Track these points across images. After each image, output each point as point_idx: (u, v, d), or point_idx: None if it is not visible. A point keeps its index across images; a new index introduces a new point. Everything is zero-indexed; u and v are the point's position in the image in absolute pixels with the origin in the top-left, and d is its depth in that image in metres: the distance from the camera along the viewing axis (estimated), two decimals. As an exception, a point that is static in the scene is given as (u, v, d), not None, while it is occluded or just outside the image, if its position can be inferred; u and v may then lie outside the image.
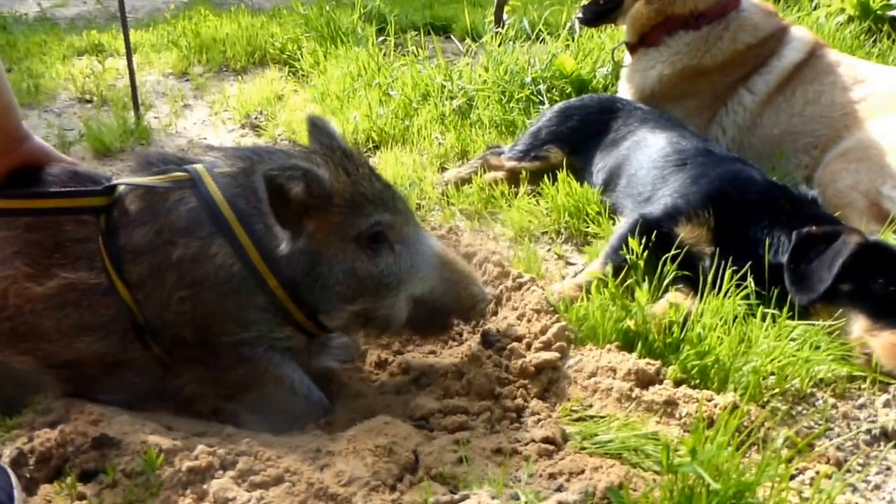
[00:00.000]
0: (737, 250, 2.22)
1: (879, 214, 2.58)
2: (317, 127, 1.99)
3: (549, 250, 2.69)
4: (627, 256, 2.15)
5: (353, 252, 1.83)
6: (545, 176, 2.93)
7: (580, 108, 3.02)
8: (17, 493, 1.54)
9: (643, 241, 2.17)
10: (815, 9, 4.47)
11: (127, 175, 1.94)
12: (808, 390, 1.94)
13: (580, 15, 3.32)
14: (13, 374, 1.82)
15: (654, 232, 2.27)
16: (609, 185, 2.77)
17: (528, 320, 2.07)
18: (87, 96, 4.62)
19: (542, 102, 3.86)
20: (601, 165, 2.86)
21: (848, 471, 1.70)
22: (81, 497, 1.55)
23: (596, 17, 3.28)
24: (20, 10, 8.08)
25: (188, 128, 4.18)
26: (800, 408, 1.91)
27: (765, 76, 2.98)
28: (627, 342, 1.97)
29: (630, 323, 1.95)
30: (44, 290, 1.78)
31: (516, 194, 2.96)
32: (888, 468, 1.74)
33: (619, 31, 3.72)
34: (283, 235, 1.77)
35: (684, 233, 2.28)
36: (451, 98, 3.87)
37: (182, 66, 5.22)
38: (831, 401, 1.93)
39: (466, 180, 3.08)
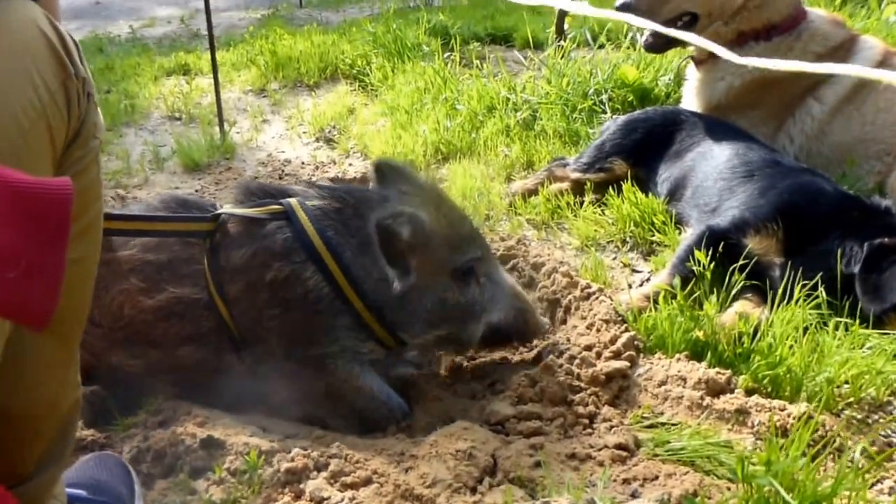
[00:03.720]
0: (807, 261, 2.18)
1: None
2: (392, 169, 2.08)
3: (614, 259, 2.69)
4: (694, 268, 2.14)
5: (445, 284, 1.97)
6: (610, 187, 2.93)
7: (644, 120, 3.00)
8: (137, 488, 1.63)
9: (710, 252, 2.17)
10: (882, 8, 4.35)
11: (230, 202, 2.06)
12: (885, 398, 1.90)
13: (648, 41, 3.23)
14: (126, 376, 1.97)
15: (722, 243, 2.25)
16: (674, 195, 2.75)
17: (598, 330, 2.08)
18: (177, 114, 4.78)
19: (604, 112, 3.85)
20: (666, 176, 2.84)
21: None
22: (192, 492, 1.64)
23: (665, 43, 3.18)
24: (113, 32, 8.41)
25: (267, 142, 4.29)
26: (876, 416, 1.86)
27: (833, 86, 2.90)
28: (696, 352, 1.96)
29: (699, 333, 1.94)
30: (154, 302, 1.92)
31: (582, 204, 2.96)
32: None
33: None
34: (393, 275, 1.89)
35: (753, 244, 2.25)
36: (516, 110, 3.88)
37: (260, 83, 5.35)
38: (907, 408, 1.89)
39: (533, 191, 3.10)
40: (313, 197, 2.01)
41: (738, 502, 1.33)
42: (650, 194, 2.85)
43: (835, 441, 1.69)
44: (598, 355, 1.99)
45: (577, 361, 1.97)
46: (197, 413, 1.84)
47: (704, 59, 3.12)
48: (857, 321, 2.01)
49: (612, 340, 2.01)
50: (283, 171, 3.72)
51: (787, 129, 2.97)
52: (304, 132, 4.41)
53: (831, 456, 1.66)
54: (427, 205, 1.98)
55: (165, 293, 1.91)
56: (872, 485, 1.61)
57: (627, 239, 2.76)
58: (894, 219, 2.28)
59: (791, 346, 1.90)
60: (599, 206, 2.95)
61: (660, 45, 3.22)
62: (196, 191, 3.55)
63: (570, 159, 3.14)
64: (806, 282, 2.09)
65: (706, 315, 1.96)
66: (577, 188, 3.03)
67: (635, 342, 2.01)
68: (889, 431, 1.81)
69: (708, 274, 2.14)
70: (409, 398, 2.04)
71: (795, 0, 2.98)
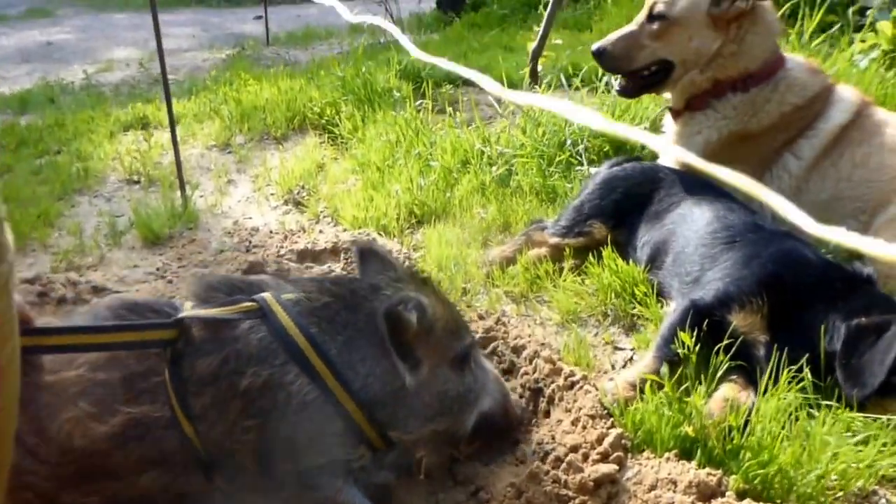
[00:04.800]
0: (792, 338, 2.20)
1: (933, 286, 2.52)
2: (373, 254, 2.06)
3: (596, 335, 2.69)
4: (679, 351, 2.15)
5: (445, 373, 1.93)
6: (590, 253, 2.94)
7: (623, 179, 3.02)
8: None
9: (695, 331, 2.19)
10: (850, 45, 4.42)
11: (190, 300, 1.96)
12: (871, 488, 1.92)
13: (620, 87, 3.26)
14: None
15: (706, 321, 2.26)
16: (655, 261, 2.76)
17: (584, 427, 2.08)
18: (135, 177, 4.75)
19: (581, 164, 3.87)
20: (646, 239, 2.85)
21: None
22: None
23: (639, 89, 3.22)
24: (66, 78, 8.37)
25: (233, 206, 4.28)
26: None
27: (811, 140, 2.93)
28: (686, 449, 1.97)
29: (688, 429, 1.94)
30: (108, 428, 1.80)
31: (562, 271, 2.97)
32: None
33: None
34: (403, 369, 1.85)
35: (737, 321, 2.26)
36: (491, 164, 3.91)
37: (224, 137, 5.34)
38: (894, 500, 1.90)
39: (511, 259, 3.10)
40: (290, 290, 1.96)
41: None
42: (630, 260, 2.87)
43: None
44: (585, 457, 1.99)
45: (563, 466, 1.96)
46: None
47: (681, 111, 3.15)
48: (843, 403, 2.05)
49: (599, 440, 2.01)
50: (250, 242, 3.70)
51: (765, 186, 2.98)
52: (272, 194, 4.40)
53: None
54: (423, 290, 1.96)
55: (120, 416, 1.80)
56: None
57: (609, 312, 2.77)
58: (876, 287, 2.32)
59: (781, 440, 1.91)
60: (579, 275, 2.95)
61: (633, 90, 3.25)
62: (157, 269, 3.52)
63: (549, 222, 3.16)
64: (791, 363, 2.12)
65: (694, 407, 1.96)
66: (557, 253, 3.04)
67: (623, 441, 2.00)
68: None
69: (693, 357, 2.15)
70: (388, 505, 2.01)
71: (772, 47, 3.02)
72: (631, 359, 2.52)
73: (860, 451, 1.93)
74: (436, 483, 2.15)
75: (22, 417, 1.46)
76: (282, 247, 3.54)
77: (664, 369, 2.13)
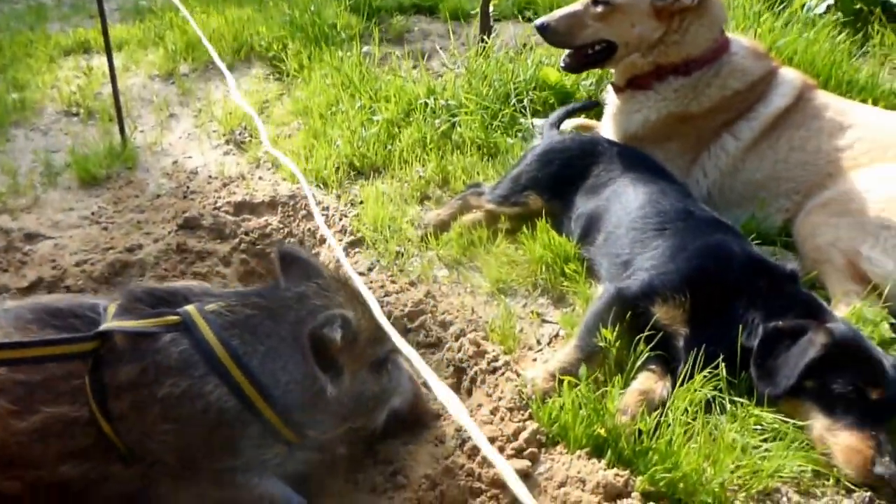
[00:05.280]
0: (711, 332, 2.17)
1: (857, 275, 2.49)
2: (297, 259, 2.00)
3: (525, 306, 2.62)
4: (601, 344, 2.11)
5: (363, 377, 1.93)
6: (526, 222, 2.86)
7: (562, 151, 2.91)
8: None
9: (618, 319, 2.17)
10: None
11: (115, 307, 1.88)
12: (774, 485, 1.93)
13: (565, 62, 3.13)
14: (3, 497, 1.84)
15: (630, 311, 2.22)
16: (587, 236, 2.69)
17: (502, 419, 2.03)
18: (74, 109, 4.46)
19: (524, 116, 3.76)
20: (580, 212, 2.77)
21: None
22: None
23: (582, 65, 3.13)
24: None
25: (174, 144, 4.07)
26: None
27: (751, 122, 2.85)
28: (598, 447, 1.93)
29: (601, 430, 1.91)
30: (28, 424, 1.78)
31: (496, 234, 2.88)
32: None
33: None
34: (325, 380, 1.82)
35: (660, 313, 2.21)
36: (435, 117, 3.74)
37: (168, 67, 5.03)
38: (795, 498, 1.91)
39: (447, 223, 3.00)
40: (213, 301, 1.89)
41: None
42: (564, 232, 2.79)
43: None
44: (501, 451, 1.95)
45: (478, 459, 1.93)
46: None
47: (623, 89, 3.04)
48: (755, 399, 2.05)
49: (516, 434, 1.97)
50: (188, 187, 3.53)
51: (702, 163, 2.92)
52: (214, 131, 4.19)
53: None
54: (348, 300, 1.93)
55: (40, 414, 1.77)
56: None
57: (539, 283, 2.70)
58: (798, 286, 2.28)
59: (690, 438, 1.90)
60: (513, 242, 2.87)
61: (576, 65, 3.14)
62: (92, 213, 3.34)
63: (486, 187, 3.05)
64: (709, 357, 2.10)
65: (608, 411, 1.93)
66: (492, 219, 2.95)
67: (538, 436, 1.96)
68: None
69: (614, 351, 2.12)
70: (309, 494, 1.96)
71: (715, 34, 2.89)
72: (557, 335, 2.48)
73: (767, 450, 1.93)
74: (356, 462, 2.11)
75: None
76: (219, 197, 3.37)
77: (582, 370, 2.08)
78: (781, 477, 1.93)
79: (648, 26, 2.84)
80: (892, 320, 2.38)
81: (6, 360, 1.75)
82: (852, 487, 1.89)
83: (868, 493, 1.88)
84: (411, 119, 3.79)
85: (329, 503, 1.95)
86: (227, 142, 4.06)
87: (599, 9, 2.87)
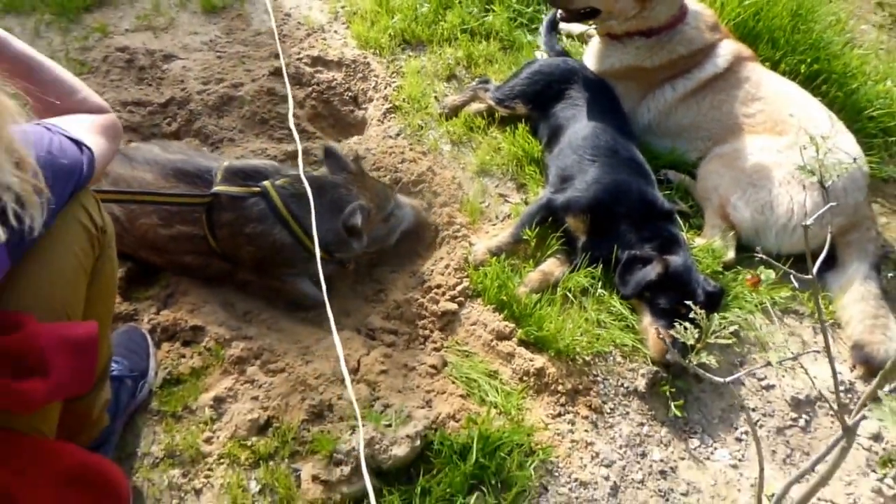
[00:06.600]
0: (600, 242, 2.82)
1: (724, 215, 3.06)
2: (334, 154, 2.68)
3: (497, 186, 3.25)
4: (525, 237, 2.81)
5: (379, 227, 2.71)
6: (515, 121, 3.40)
7: (547, 73, 3.35)
8: (151, 349, 2.42)
9: (543, 221, 2.88)
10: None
11: (221, 174, 2.57)
12: (608, 349, 2.69)
13: (560, 16, 3.50)
14: (150, 265, 2.67)
15: (551, 216, 2.88)
16: (549, 144, 3.23)
17: (450, 274, 2.78)
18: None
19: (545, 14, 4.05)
20: (550, 124, 3.28)
21: (600, 413, 2.53)
22: (182, 356, 2.47)
23: (573, 20, 3.49)
24: None
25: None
26: (598, 360, 2.66)
27: (686, 81, 3.25)
28: (501, 305, 2.68)
29: (504, 296, 2.66)
30: (168, 232, 2.56)
31: (494, 120, 3.45)
32: (627, 414, 2.56)
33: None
34: (352, 241, 2.60)
35: (570, 222, 2.86)
36: (473, 5, 4.05)
37: None
38: (619, 359, 2.68)
39: (459, 108, 3.53)
40: (281, 178, 2.59)
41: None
42: (538, 134, 3.34)
43: (556, 383, 2.53)
44: (443, 294, 2.73)
45: (429, 297, 2.71)
46: (191, 300, 2.59)
47: (602, 35, 3.41)
48: (615, 292, 2.77)
49: (454, 286, 2.73)
50: (281, 31, 3.98)
51: (647, 102, 3.36)
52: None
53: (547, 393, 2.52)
54: (368, 189, 2.65)
55: (176, 228, 2.54)
56: (562, 414, 2.48)
57: (510, 171, 3.30)
58: (670, 222, 2.86)
59: (557, 313, 2.65)
60: (503, 131, 3.42)
61: (569, 20, 3.51)
62: (210, 41, 3.87)
63: (492, 84, 3.52)
64: (594, 259, 2.79)
65: (510, 288, 2.67)
66: (491, 110, 3.49)
67: (467, 290, 2.73)
68: (598, 373, 2.63)
69: (532, 242, 2.82)
70: (329, 289, 2.79)
71: (674, 10, 3.20)
72: (509, 215, 3.13)
73: (609, 326, 2.69)
74: (359, 277, 2.92)
75: (119, 213, 2.35)
76: (302, 48, 3.86)
77: (504, 253, 2.80)
78: (615, 344, 2.69)
79: (627, 5, 3.18)
80: (733, 253, 3.01)
81: (161, 201, 2.49)
82: (652, 364, 2.65)
83: (658, 369, 2.64)
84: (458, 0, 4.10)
85: (337, 302, 2.76)
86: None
87: (592, -14, 3.17)
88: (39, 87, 1.71)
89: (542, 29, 3.78)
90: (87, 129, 1.74)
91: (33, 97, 1.68)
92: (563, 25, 3.97)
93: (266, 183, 2.55)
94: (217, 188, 2.52)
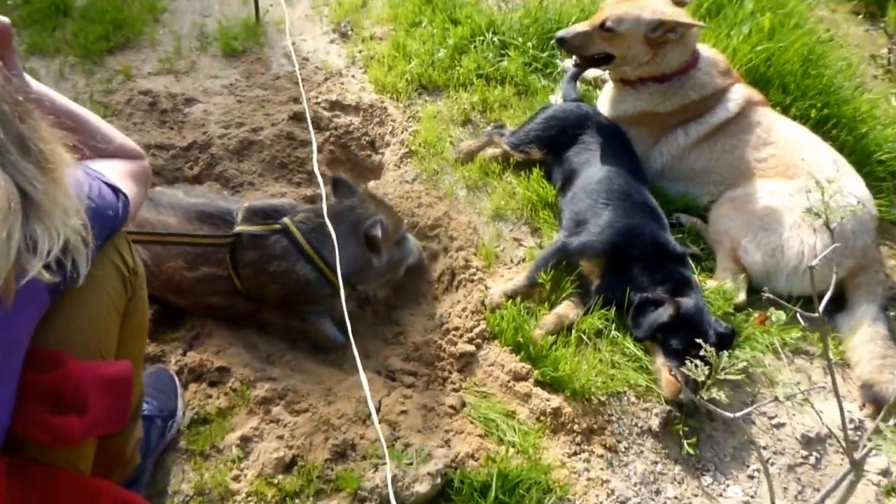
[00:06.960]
0: (613, 285, 2.91)
1: (736, 258, 3.15)
2: (344, 182, 2.82)
3: (511, 231, 3.36)
4: (541, 280, 2.90)
5: (392, 250, 2.82)
6: (529, 166, 3.51)
7: (562, 119, 3.46)
8: (179, 390, 2.52)
9: (558, 264, 2.98)
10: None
11: (241, 215, 2.69)
12: (622, 389, 2.76)
13: (575, 63, 3.62)
14: (176, 308, 2.78)
15: (565, 260, 2.98)
16: (564, 188, 3.33)
17: (467, 316, 2.87)
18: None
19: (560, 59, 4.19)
20: (564, 168, 3.39)
21: (615, 451, 2.60)
22: (209, 396, 2.55)
23: (588, 66, 3.62)
24: None
25: (294, 23, 4.55)
26: (613, 400, 2.73)
27: (699, 125, 3.37)
28: (517, 346, 2.77)
29: (520, 337, 2.75)
30: (193, 275, 2.66)
31: (509, 165, 3.56)
32: (641, 452, 2.63)
33: None
34: (373, 258, 2.74)
35: (584, 266, 2.96)
36: (489, 51, 4.19)
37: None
38: (633, 399, 2.75)
39: (475, 153, 3.65)
40: (299, 214, 2.70)
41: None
42: (552, 178, 3.46)
43: (572, 423, 2.60)
44: (461, 336, 2.81)
45: (447, 339, 2.80)
46: (216, 341, 2.68)
47: (616, 81, 3.54)
48: (629, 334, 2.85)
49: (471, 329, 2.82)
50: (300, 75, 4.12)
51: (660, 147, 3.47)
52: (325, 16, 4.66)
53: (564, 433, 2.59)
54: (381, 208, 2.78)
55: (201, 271, 2.65)
56: (579, 453, 2.55)
57: (524, 214, 3.41)
58: (682, 265, 2.94)
59: (572, 353, 2.73)
60: (518, 176, 3.54)
61: (583, 66, 3.64)
62: (230, 84, 4.02)
63: (507, 130, 3.64)
64: (607, 301, 2.89)
65: (526, 331, 2.75)
66: (507, 155, 3.61)
67: (484, 332, 2.82)
68: (612, 413, 2.70)
69: (548, 285, 2.91)
70: (348, 333, 2.88)
71: (687, 56, 3.32)
72: (524, 259, 3.23)
73: (624, 366, 2.76)
74: (378, 319, 3.02)
75: (146, 257, 2.49)
76: (320, 92, 4.01)
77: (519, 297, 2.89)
78: (629, 385, 2.77)
79: (640, 51, 3.28)
80: (744, 295, 3.10)
81: (186, 242, 2.60)
82: (665, 403, 2.72)
83: (671, 409, 2.70)
84: (474, 45, 4.24)
85: (358, 344, 2.83)
86: (334, 30, 4.55)
87: (605, 33, 3.30)
88: (83, 137, 1.81)
89: (564, 80, 3.91)
90: (120, 175, 1.83)
91: (78, 148, 1.79)
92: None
93: (286, 220, 2.66)
94: (239, 228, 2.63)
